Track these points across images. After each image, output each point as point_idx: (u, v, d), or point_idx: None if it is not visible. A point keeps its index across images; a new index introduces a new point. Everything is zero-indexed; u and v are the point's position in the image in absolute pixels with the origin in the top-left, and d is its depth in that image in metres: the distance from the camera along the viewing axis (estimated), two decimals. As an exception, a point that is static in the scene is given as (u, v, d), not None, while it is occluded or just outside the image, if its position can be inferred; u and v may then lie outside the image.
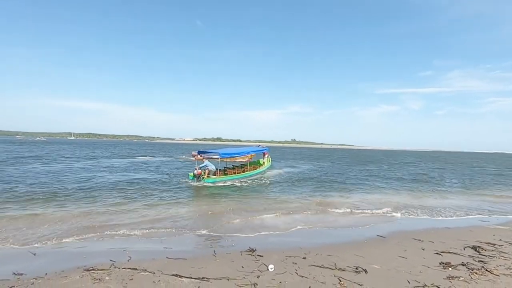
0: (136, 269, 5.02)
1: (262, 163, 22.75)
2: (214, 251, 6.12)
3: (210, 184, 14.84)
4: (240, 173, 18.26)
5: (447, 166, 39.31)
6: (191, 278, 4.70)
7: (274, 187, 15.62)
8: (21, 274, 4.82)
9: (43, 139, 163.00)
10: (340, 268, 5.24)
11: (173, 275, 4.80)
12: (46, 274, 4.79)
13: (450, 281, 4.77)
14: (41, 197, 11.01)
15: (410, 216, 10.08)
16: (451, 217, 10.21)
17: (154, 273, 4.88)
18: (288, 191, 14.42)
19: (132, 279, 4.64)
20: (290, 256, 5.83)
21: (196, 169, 15.69)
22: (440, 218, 10.02)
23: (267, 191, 14.27)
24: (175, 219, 8.63)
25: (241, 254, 5.93)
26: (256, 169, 20.47)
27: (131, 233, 7.28)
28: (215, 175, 16.45)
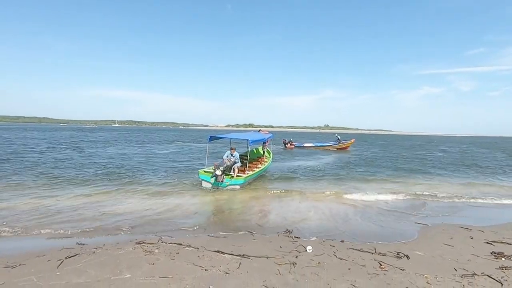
0: (181, 244, 5.38)
1: (262, 153, 15.86)
2: (252, 232, 6.33)
3: (238, 187, 10.31)
4: (258, 165, 13.70)
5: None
6: (233, 254, 4.93)
7: (318, 174, 15.50)
8: (83, 244, 5.40)
9: (94, 126, 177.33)
10: (380, 253, 5.15)
11: (215, 251, 5.07)
12: (104, 245, 5.32)
13: (503, 271, 4.48)
14: (121, 177, 12.06)
15: (458, 202, 9.49)
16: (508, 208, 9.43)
17: (198, 248, 5.19)
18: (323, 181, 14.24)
19: (178, 253, 4.99)
20: (327, 239, 5.85)
21: (217, 166, 10.30)
22: (494, 207, 9.31)
23: (303, 179, 14.22)
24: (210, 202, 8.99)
25: (278, 235, 6.07)
26: (265, 160, 14.91)
27: (173, 214, 7.74)
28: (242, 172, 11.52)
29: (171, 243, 5.44)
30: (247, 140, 12.21)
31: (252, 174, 11.55)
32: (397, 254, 5.11)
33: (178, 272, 4.27)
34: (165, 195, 9.50)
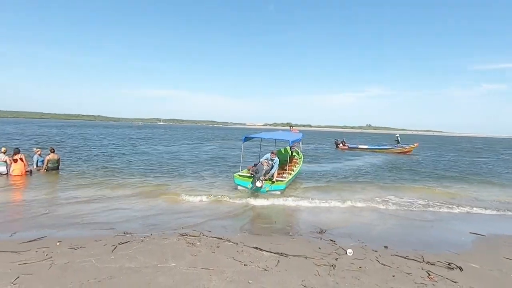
0: (221, 238, 5.56)
1: (291, 153, 14.37)
2: (290, 232, 6.31)
3: (278, 193, 9.40)
4: (292, 167, 12.48)
5: None
6: (271, 252, 4.98)
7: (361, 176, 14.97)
8: (130, 233, 5.81)
9: (141, 124, 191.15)
10: (429, 262, 4.81)
11: (254, 247, 5.16)
12: (151, 234, 5.71)
13: None
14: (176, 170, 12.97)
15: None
16: None
17: (237, 244, 5.33)
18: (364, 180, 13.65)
19: (218, 246, 5.18)
20: (369, 244, 5.62)
21: (254, 171, 9.57)
22: None
23: (351, 181, 13.79)
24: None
25: (317, 237, 5.98)
26: (297, 161, 13.85)
27: (211, 210, 8.00)
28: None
29: (211, 237, 5.66)
30: (288, 140, 11.61)
31: (292, 178, 10.79)
32: (448, 264, 4.73)
33: (218, 265, 4.44)
34: (206, 191, 9.85)
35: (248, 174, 9.99)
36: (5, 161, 11.03)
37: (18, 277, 3.85)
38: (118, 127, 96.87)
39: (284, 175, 10.59)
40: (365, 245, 5.53)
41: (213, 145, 32.60)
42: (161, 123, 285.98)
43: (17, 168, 10.96)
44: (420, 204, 9.14)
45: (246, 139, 11.13)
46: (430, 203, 9.26)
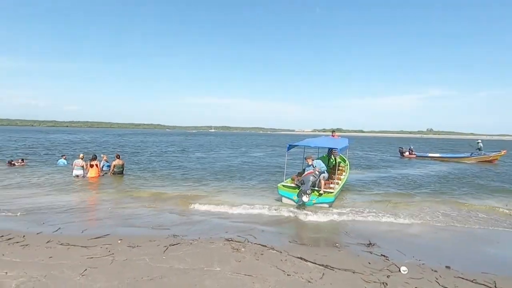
0: (265, 246, 5.57)
1: (333, 160, 12.66)
2: (336, 243, 6.04)
3: (327, 206, 8.75)
4: (339, 176, 11.22)
5: None
6: (316, 263, 4.82)
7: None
8: (180, 236, 6.15)
9: (195, 131, 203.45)
10: (502, 289, 4.16)
11: (298, 257, 5.06)
12: (199, 238, 5.98)
13: None
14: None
15: None
16: None
17: (281, 252, 5.28)
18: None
19: (262, 254, 5.19)
20: (428, 261, 5.08)
21: (300, 182, 8.94)
22: None
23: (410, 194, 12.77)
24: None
25: (366, 251, 5.61)
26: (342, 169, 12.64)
27: (256, 217, 8.06)
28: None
29: (256, 243, 5.71)
30: (336, 148, 10.91)
31: (340, 188, 9.98)
32: (529, 294, 4.03)
33: (262, 272, 4.45)
34: (251, 199, 9.98)
35: (293, 185, 9.46)
36: (82, 166, 12.69)
37: (86, 269, 4.36)
38: (175, 134, 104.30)
39: (331, 185, 9.90)
40: (422, 263, 5.02)
41: (261, 152, 33.02)
42: (212, 130, 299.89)
43: (92, 173, 12.51)
44: (490, 221, 7.97)
45: (290, 147, 10.56)
46: (503, 222, 8.01)
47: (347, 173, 12.38)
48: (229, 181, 13.02)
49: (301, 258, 5.01)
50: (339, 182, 10.58)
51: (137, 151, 29.50)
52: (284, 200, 9.23)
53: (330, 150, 12.74)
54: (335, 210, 8.45)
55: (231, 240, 5.84)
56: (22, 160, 17.10)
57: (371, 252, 5.53)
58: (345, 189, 11.29)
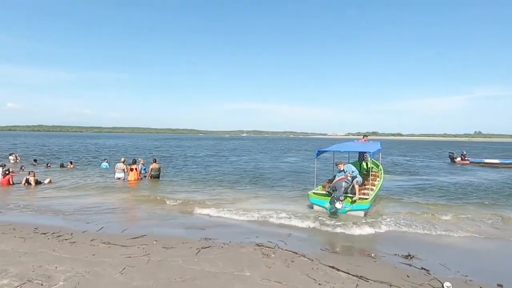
0: (296, 253, 5.48)
1: (365, 166, 12.34)
2: (372, 253, 5.75)
3: (362, 214, 8.35)
4: (373, 181, 10.71)
5: None
6: (349, 274, 4.63)
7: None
8: (210, 239, 6.26)
9: (227, 136, 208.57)
10: None
11: (330, 266, 4.90)
12: (230, 242, 6.05)
13: None
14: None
15: None
16: None
17: (312, 260, 5.15)
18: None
19: (293, 261, 5.11)
20: (475, 278, 4.63)
21: (331, 188, 8.51)
22: None
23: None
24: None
25: (404, 263, 5.27)
26: (376, 174, 12.12)
27: (287, 221, 7.96)
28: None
29: (286, 250, 5.63)
30: (368, 152, 10.21)
31: (375, 194, 9.46)
32: None
33: (292, 280, 4.37)
34: (282, 205, 9.90)
35: (324, 192, 9.09)
36: (123, 169, 13.54)
37: (125, 268, 4.61)
38: (208, 139, 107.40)
39: (365, 191, 9.32)
40: (469, 280, 4.58)
41: (293, 156, 32.72)
42: (244, 134, 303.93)
43: (131, 176, 13.30)
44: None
45: (319, 153, 10.15)
46: None
47: (382, 178, 11.79)
48: (261, 186, 13.06)
49: (333, 267, 4.85)
50: (373, 188, 10.05)
51: (173, 155, 30.83)
52: (316, 207, 8.95)
53: (361, 155, 12.24)
54: (370, 218, 8.07)
55: (262, 246, 5.83)
56: (71, 163, 18.74)
57: (410, 265, 5.18)
58: (380, 196, 10.76)
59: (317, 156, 10.12)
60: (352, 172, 8.78)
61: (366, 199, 8.50)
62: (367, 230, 7.16)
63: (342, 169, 8.82)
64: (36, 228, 6.64)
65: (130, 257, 5.07)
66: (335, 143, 13.14)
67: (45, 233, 6.31)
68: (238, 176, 15.88)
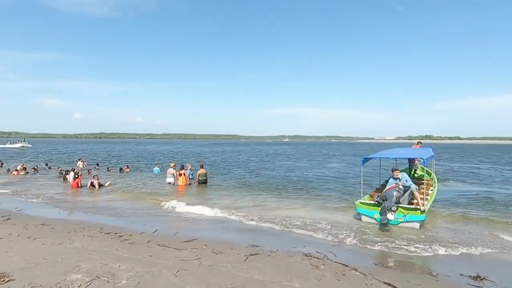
0: (347, 266, 5.23)
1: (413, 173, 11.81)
2: (432, 271, 5.24)
3: (417, 226, 7.71)
4: (427, 190, 9.83)
5: None
6: (407, 293, 4.28)
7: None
8: (258, 246, 6.28)
9: (269, 141, 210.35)
10: None
11: (385, 283, 4.58)
12: (277, 250, 6.02)
13: None
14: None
15: None
16: None
17: (365, 275, 4.87)
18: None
19: (344, 274, 4.89)
20: None
21: (381, 198, 8.00)
22: None
23: None
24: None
25: (472, 285, 4.71)
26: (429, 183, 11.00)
27: (335, 231, 7.65)
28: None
29: (336, 262, 5.41)
30: (421, 159, 9.28)
31: (430, 204, 8.78)
32: None
33: (344, 295, 4.18)
34: (330, 212, 9.60)
35: (372, 202, 8.57)
36: (173, 174, 14.36)
37: (178, 270, 4.85)
38: (251, 144, 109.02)
39: (423, 202, 8.45)
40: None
41: (338, 162, 31.61)
42: (286, 139, 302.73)
43: (180, 181, 14.04)
44: None
45: (365, 160, 9.57)
46: None
47: (436, 188, 10.81)
48: (306, 194, 12.80)
49: (389, 284, 4.53)
50: (428, 197, 9.21)
51: (218, 160, 31.89)
52: (364, 218, 8.43)
53: (412, 161, 11.40)
54: (426, 231, 7.42)
55: (310, 256, 5.69)
56: (127, 167, 20.48)
57: (469, 281, 4.62)
58: (435, 207, 9.81)
59: (363, 163, 9.57)
60: (406, 181, 8.21)
61: (422, 210, 7.73)
62: (424, 245, 6.58)
63: (398, 176, 8.23)
64: (101, 228, 7.33)
65: (183, 260, 5.31)
66: (383, 148, 12.42)
67: (108, 233, 6.93)
68: (282, 183, 15.81)
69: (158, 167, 19.74)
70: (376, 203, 8.29)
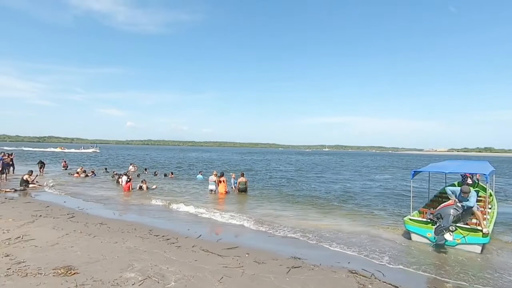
0: (397, 287, 4.89)
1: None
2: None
3: (479, 249, 6.91)
4: (484, 208, 8.82)
5: None
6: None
7: None
8: (300, 258, 6.15)
9: (309, 151, 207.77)
10: None
11: (443, 310, 4.19)
12: (320, 264, 5.84)
13: None
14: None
15: None
16: None
17: (419, 299, 4.51)
18: None
19: (394, 296, 4.57)
20: None
21: (430, 212, 7.77)
22: None
23: None
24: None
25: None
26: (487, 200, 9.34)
27: (381, 247, 7.21)
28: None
29: (385, 282, 5.09)
30: (483, 175, 8.19)
31: (492, 226, 7.96)
32: None
33: (395, 319, 3.90)
34: (376, 227, 9.09)
35: (423, 219, 7.89)
36: (215, 181, 14.82)
37: (222, 277, 4.95)
38: (289, 153, 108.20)
39: (484, 222, 7.43)
40: None
41: (383, 174, 29.90)
42: (326, 149, 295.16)
43: (221, 188, 14.43)
44: None
45: (415, 173, 8.95)
46: None
47: (495, 206, 9.73)
48: (350, 207, 12.25)
49: (447, 312, 4.13)
50: (488, 217, 8.25)
51: (257, 169, 32.15)
52: (414, 237, 7.77)
53: (465, 176, 10.50)
54: (489, 258, 6.63)
55: (356, 273, 5.42)
56: (172, 173, 21.67)
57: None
58: (496, 230, 8.73)
59: (413, 177, 8.94)
60: (467, 200, 7.37)
61: (482, 232, 6.88)
62: (487, 274, 5.86)
63: (467, 197, 7.43)
64: (150, 230, 7.81)
65: (226, 267, 5.42)
66: (434, 161, 11.54)
67: (157, 235, 7.35)
68: (323, 195, 15.38)
69: (201, 174, 20.57)
70: (429, 220, 7.66)
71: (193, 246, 6.60)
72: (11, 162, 18.95)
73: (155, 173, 22.42)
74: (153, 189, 14.96)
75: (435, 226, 7.16)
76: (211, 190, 14.64)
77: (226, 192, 14.37)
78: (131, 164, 26.41)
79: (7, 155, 18.82)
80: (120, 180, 16.32)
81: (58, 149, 68.67)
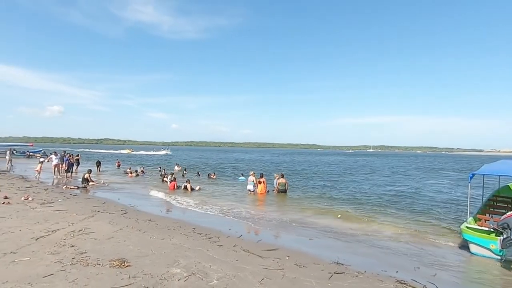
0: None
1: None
2: None
3: None
4: None
5: None
6: None
7: None
8: (343, 264, 5.91)
9: (351, 151, 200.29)
10: None
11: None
12: (365, 271, 5.56)
13: None
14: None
15: None
16: None
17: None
18: None
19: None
20: None
21: (498, 222, 6.62)
22: None
23: None
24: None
25: None
26: None
27: (434, 259, 6.61)
28: None
29: (438, 296, 4.67)
30: None
31: None
32: None
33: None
34: (429, 235, 8.40)
35: (484, 228, 7.17)
36: (253, 181, 14.99)
37: (263, 278, 4.97)
38: (330, 154, 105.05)
39: None
40: None
41: (436, 178, 27.53)
42: (371, 150, 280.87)
43: (260, 189, 14.54)
44: None
45: (474, 176, 8.06)
46: None
47: None
48: (396, 212, 11.53)
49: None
50: None
51: (298, 170, 31.76)
52: (473, 248, 6.95)
53: None
54: None
55: (405, 283, 5.06)
56: (214, 174, 22.41)
57: None
58: None
59: (470, 179, 8.06)
60: None
61: None
62: None
63: None
64: (194, 228, 8.15)
65: (267, 268, 5.43)
66: (496, 160, 10.25)
67: (200, 234, 7.64)
68: (367, 198, 14.65)
69: (242, 176, 21.03)
70: (493, 230, 6.84)
71: (234, 246, 6.73)
72: (75, 162, 21.70)
73: (198, 173, 23.39)
74: (197, 190, 15.61)
75: (503, 238, 6.33)
76: (250, 190, 14.82)
77: (266, 192, 14.43)
78: (176, 164, 27.92)
79: (72, 156, 21.45)
80: (165, 178, 17.34)
81: (126, 151, 72.66)
